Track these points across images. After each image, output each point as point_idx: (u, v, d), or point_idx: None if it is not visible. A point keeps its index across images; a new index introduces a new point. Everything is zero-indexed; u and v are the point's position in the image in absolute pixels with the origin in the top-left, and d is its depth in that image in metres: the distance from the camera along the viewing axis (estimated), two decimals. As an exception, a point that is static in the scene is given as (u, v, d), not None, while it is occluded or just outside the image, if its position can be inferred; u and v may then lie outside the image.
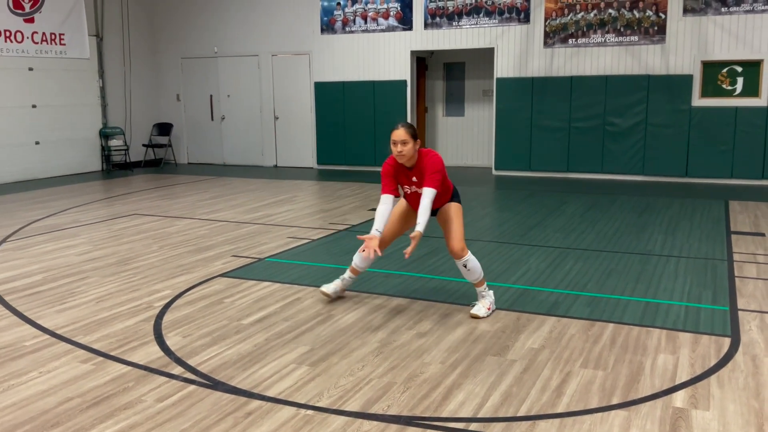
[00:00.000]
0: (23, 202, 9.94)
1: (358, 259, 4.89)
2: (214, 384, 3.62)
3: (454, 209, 4.65)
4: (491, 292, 4.79)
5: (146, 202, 9.72)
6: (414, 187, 4.59)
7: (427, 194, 4.40)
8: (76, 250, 6.78)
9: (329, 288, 4.99)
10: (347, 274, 4.99)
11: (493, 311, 4.70)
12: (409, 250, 4.26)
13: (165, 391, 3.54)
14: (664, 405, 3.32)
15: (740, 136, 10.73)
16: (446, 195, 4.64)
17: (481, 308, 4.65)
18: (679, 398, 3.40)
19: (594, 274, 5.69)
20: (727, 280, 5.44)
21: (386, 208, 4.51)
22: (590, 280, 5.51)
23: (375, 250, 4.37)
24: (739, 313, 4.65)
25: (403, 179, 4.61)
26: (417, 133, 4.48)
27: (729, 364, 3.81)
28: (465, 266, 4.60)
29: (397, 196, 4.61)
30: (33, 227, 8.00)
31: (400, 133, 4.39)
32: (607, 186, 10.79)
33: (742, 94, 10.71)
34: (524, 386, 3.55)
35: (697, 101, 10.94)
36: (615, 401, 3.37)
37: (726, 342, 4.13)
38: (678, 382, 3.58)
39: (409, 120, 12.82)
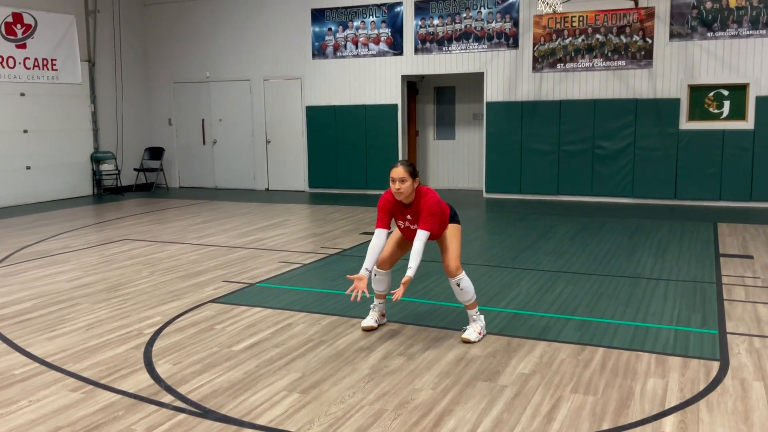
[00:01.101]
0: (14, 227, 9.91)
1: (374, 284, 4.90)
2: (204, 412, 3.61)
3: (452, 229, 4.69)
4: (482, 316, 4.81)
5: (137, 227, 9.72)
6: (408, 223, 4.64)
7: (421, 237, 4.43)
8: (66, 276, 6.76)
9: (368, 321, 4.97)
10: (375, 301, 5.00)
11: (484, 336, 4.72)
12: (398, 294, 4.28)
13: (155, 419, 3.53)
14: (654, 430, 3.33)
15: (728, 158, 10.84)
16: (444, 225, 4.68)
17: (472, 333, 4.66)
18: (668, 423, 3.41)
19: (584, 297, 5.72)
20: (716, 303, 5.47)
21: (379, 243, 4.52)
22: (580, 303, 5.54)
23: (363, 292, 4.35)
24: (728, 336, 4.68)
25: (398, 215, 4.65)
26: (416, 171, 4.53)
27: (718, 388, 3.83)
28: (458, 285, 4.61)
29: (390, 230, 4.65)
30: (23, 253, 7.98)
31: (399, 171, 4.43)
32: (596, 209, 10.87)
33: (729, 118, 10.85)
34: (515, 412, 3.56)
35: (685, 124, 11.07)
36: (605, 426, 3.38)
37: (715, 366, 4.15)
38: (668, 406, 3.60)
39: (399, 144, 12.91)
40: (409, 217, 4.60)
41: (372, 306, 5.03)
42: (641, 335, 4.73)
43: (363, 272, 4.42)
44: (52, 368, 4.28)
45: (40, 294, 6.11)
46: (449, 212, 4.75)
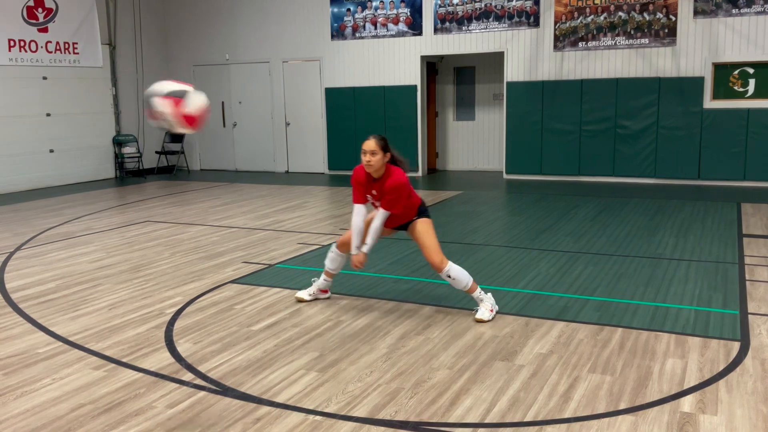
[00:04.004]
0: (37, 210, 10.05)
1: (327, 261, 5.10)
2: (223, 390, 3.65)
3: (421, 225, 4.72)
4: (489, 294, 4.81)
5: (159, 209, 9.81)
6: (372, 199, 4.73)
7: (380, 216, 4.62)
8: (89, 258, 6.85)
9: (301, 293, 5.22)
10: (322, 277, 5.17)
11: (496, 312, 4.72)
12: (356, 260, 4.65)
13: (175, 397, 3.58)
14: (672, 410, 3.32)
15: (752, 138, 10.66)
16: (411, 211, 4.74)
17: (484, 312, 4.67)
18: (687, 403, 3.39)
19: (604, 278, 5.68)
20: (738, 284, 5.41)
21: (360, 219, 4.70)
22: (600, 284, 5.51)
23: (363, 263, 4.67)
24: (750, 316, 4.63)
25: (367, 189, 4.73)
26: (388, 146, 4.61)
27: (738, 368, 3.80)
28: (449, 276, 4.67)
29: (366, 203, 4.76)
30: (47, 235, 8.10)
31: (369, 144, 4.55)
32: (618, 189, 10.76)
33: (754, 96, 10.65)
34: (532, 391, 3.56)
35: (709, 103, 10.89)
36: (622, 406, 3.37)
37: (735, 346, 4.11)
38: (686, 386, 3.58)
39: (419, 125, 12.85)
40: (374, 192, 4.68)
41: (313, 279, 5.24)
42: (661, 316, 4.70)
43: (354, 251, 4.68)
44: (75, 347, 4.35)
45: (64, 275, 6.20)
46: (419, 202, 4.78)
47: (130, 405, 3.50)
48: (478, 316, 4.66)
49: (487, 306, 4.71)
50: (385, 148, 4.56)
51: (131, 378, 3.84)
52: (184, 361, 4.07)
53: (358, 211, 4.69)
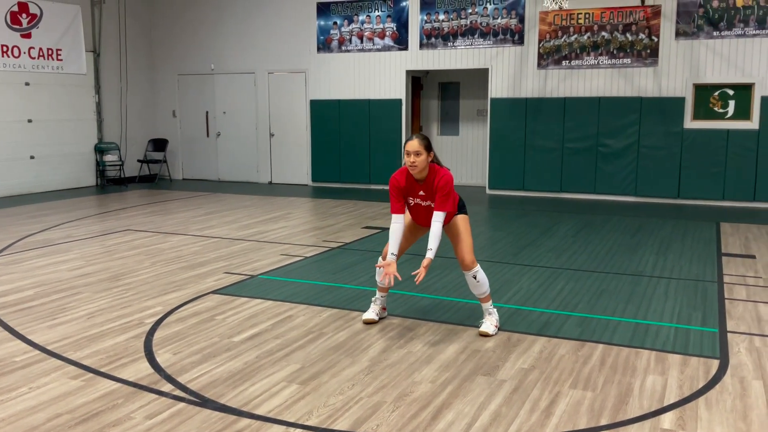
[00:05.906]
0: (17, 216, 9.93)
1: (377, 277, 4.90)
2: (203, 402, 3.61)
3: (462, 221, 4.66)
4: (495, 309, 4.81)
5: (140, 218, 9.73)
6: (419, 200, 4.59)
7: (438, 218, 4.44)
8: (68, 266, 6.77)
9: (369, 314, 4.96)
10: (378, 294, 5.00)
11: (498, 329, 4.72)
12: (420, 276, 4.30)
13: (154, 408, 3.54)
14: (652, 426, 3.34)
15: (732, 158, 10.81)
16: (453, 209, 4.64)
17: (489, 326, 4.67)
18: (667, 420, 3.41)
19: (585, 294, 5.72)
20: (717, 302, 5.47)
21: (399, 227, 4.54)
22: (581, 300, 5.54)
23: (395, 276, 4.43)
24: (728, 335, 4.68)
25: (410, 192, 4.60)
26: (431, 146, 4.49)
27: (717, 386, 3.83)
28: (475, 278, 4.63)
29: (404, 212, 4.64)
30: (26, 242, 7.99)
31: (413, 144, 4.39)
32: (599, 206, 10.85)
33: (734, 117, 10.81)
34: (513, 406, 3.56)
35: (689, 123, 11.04)
36: (603, 422, 3.38)
37: (715, 364, 4.15)
38: (666, 403, 3.60)
39: (403, 139, 12.88)
40: (421, 193, 4.55)
41: (373, 299, 5.03)
42: (641, 332, 4.73)
43: (390, 258, 4.49)
44: (53, 356, 4.29)
45: (42, 282, 6.12)
46: (458, 200, 4.72)
47: (108, 416, 3.45)
48: (483, 329, 4.66)
49: (493, 321, 4.71)
50: (428, 148, 4.42)
51: (109, 388, 3.79)
52: (164, 371, 4.03)
53: (397, 219, 4.54)
